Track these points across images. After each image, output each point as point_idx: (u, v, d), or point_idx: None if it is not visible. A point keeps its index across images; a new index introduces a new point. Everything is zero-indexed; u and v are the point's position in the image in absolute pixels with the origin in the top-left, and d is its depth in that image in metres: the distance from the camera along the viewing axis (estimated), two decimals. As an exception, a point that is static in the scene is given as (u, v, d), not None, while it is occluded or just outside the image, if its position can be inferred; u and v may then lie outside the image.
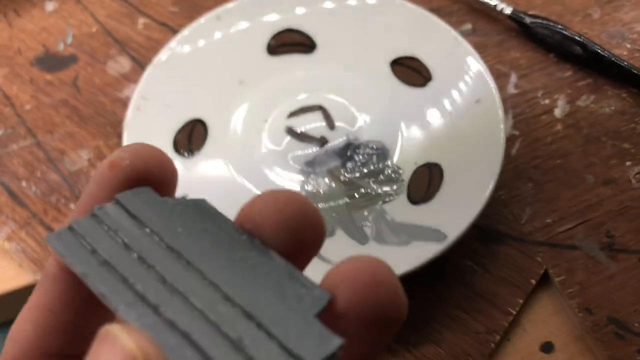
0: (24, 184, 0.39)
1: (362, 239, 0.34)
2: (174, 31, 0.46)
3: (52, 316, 0.16)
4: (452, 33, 0.40)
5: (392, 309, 0.14)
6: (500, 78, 0.42)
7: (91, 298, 0.15)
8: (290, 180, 0.37)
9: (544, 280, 0.35)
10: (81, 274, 0.15)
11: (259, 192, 0.37)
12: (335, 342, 0.13)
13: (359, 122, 0.39)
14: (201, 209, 0.16)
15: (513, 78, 0.42)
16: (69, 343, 0.17)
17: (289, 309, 0.14)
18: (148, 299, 0.14)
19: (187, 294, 0.14)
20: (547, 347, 0.33)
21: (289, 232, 0.15)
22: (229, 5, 0.42)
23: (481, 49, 0.42)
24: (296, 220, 0.15)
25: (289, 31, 0.42)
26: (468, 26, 0.45)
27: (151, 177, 0.16)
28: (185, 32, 0.41)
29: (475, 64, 0.38)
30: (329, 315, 0.14)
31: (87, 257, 0.15)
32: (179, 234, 0.15)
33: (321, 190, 0.36)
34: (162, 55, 0.40)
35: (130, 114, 0.37)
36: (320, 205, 0.35)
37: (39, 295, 0.16)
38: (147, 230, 0.15)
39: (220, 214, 0.16)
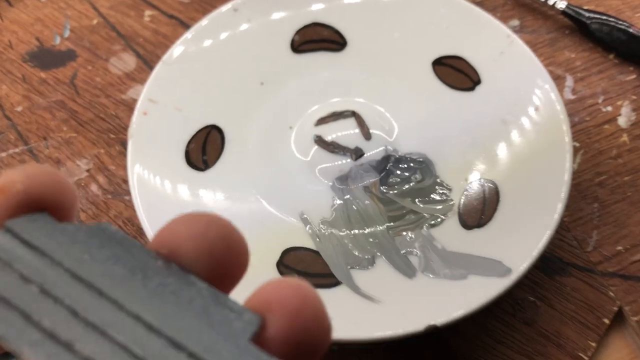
0: (13, 197, 0.34)
1: (408, 270, 0.29)
2: (185, 25, 0.41)
3: None
4: (504, 30, 0.35)
5: (320, 333, 0.14)
6: (554, 82, 0.37)
7: None
8: (319, 198, 0.32)
9: (618, 319, 0.30)
10: None
11: (281, 215, 0.33)
12: None
13: (397, 131, 0.34)
14: (108, 234, 0.14)
15: (569, 81, 0.37)
16: None
17: (220, 336, 0.13)
18: (58, 336, 0.12)
19: (105, 327, 0.12)
20: (624, 400, 0.28)
21: (212, 258, 0.14)
22: (248, -5, 0.37)
23: (530, 49, 0.37)
24: (219, 245, 0.14)
25: (316, 25, 0.37)
26: (515, 22, 0.40)
27: (48, 204, 0.15)
28: (199, 26, 0.36)
29: (532, 66, 0.33)
30: (257, 340, 0.13)
31: None
32: (85, 262, 0.13)
33: (356, 210, 0.31)
34: (173, 53, 0.35)
35: (135, 119, 0.32)
36: (356, 230, 0.31)
37: None
38: (48, 260, 0.13)
39: (128, 238, 0.14)
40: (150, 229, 0.28)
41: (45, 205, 0.15)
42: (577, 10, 0.38)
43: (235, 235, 0.14)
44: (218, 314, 0.13)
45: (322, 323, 0.14)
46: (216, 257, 0.14)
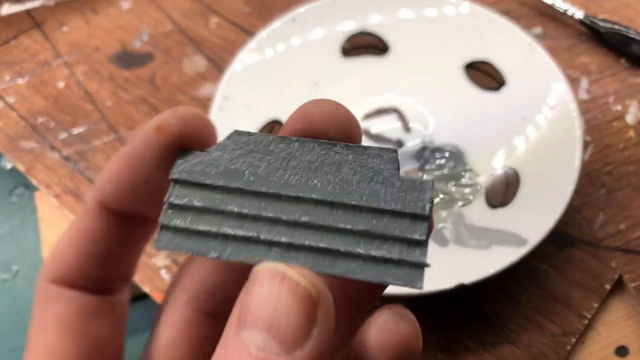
0: (108, 178, 0.41)
1: (441, 241, 0.35)
2: (247, 32, 0.47)
3: (92, 245, 0.18)
4: (527, 39, 0.40)
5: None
6: (570, 83, 0.42)
7: (130, 232, 0.18)
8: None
9: (618, 286, 0.35)
10: (202, 254, 0.16)
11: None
12: (427, 183, 0.16)
13: (433, 125, 0.40)
14: (243, 138, 0.17)
15: (584, 83, 0.42)
16: (106, 269, 0.18)
17: (377, 183, 0.16)
18: (225, 231, 0.16)
19: (306, 220, 0.16)
20: (621, 351, 0.33)
21: (341, 130, 0.17)
22: (304, 7, 0.43)
23: (551, 54, 0.43)
24: (346, 123, 0.17)
25: (363, 34, 0.43)
26: (538, 30, 0.45)
27: (194, 142, 0.17)
28: (263, 33, 0.42)
29: (550, 70, 0.39)
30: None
31: (196, 241, 0.16)
32: (258, 175, 0.17)
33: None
34: (242, 56, 0.41)
35: (213, 113, 0.39)
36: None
37: (81, 225, 0.18)
38: (225, 190, 0.17)
39: (257, 133, 0.17)
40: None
41: (191, 144, 0.17)
42: (593, 20, 0.44)
43: (354, 118, 0.18)
44: (365, 159, 0.16)
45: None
46: (344, 130, 0.17)
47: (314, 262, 0.16)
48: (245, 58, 0.41)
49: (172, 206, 0.17)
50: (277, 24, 0.42)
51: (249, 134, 0.18)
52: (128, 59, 0.47)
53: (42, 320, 0.18)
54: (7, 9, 0.50)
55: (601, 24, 0.43)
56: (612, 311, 0.35)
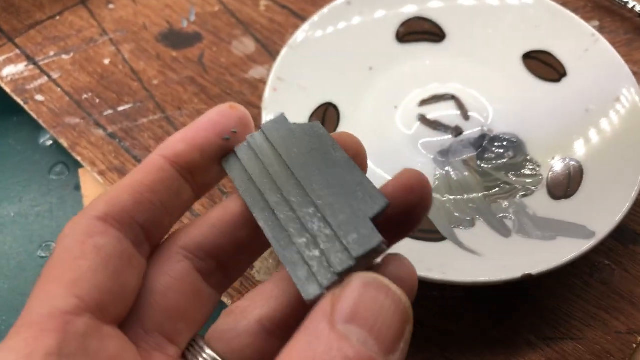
0: (155, 157, 0.40)
1: (504, 231, 0.33)
2: (296, 15, 0.46)
3: (150, 194, 0.20)
4: (589, 30, 0.39)
5: (425, 198, 0.19)
6: (631, 77, 0.41)
7: (182, 191, 0.21)
8: (422, 168, 0.37)
9: (684, 284, 0.34)
10: (238, 189, 0.21)
11: (389, 177, 0.38)
12: (376, 239, 0.17)
13: (492, 114, 0.39)
14: (315, 131, 0.21)
15: (644, 78, 0.41)
16: (151, 220, 0.20)
17: (352, 210, 0.18)
18: (271, 205, 0.20)
19: (292, 202, 0.19)
20: (688, 352, 0.32)
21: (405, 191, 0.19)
22: (360, -9, 0.42)
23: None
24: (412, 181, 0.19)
25: (419, 19, 0.42)
26: (595, 23, 0.44)
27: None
28: (318, 16, 0.41)
29: (614, 62, 0.38)
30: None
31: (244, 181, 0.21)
32: (295, 155, 0.20)
33: (456, 179, 0.36)
34: (297, 38, 0.40)
35: (267, 94, 0.38)
36: (456, 196, 0.36)
37: (140, 175, 0.20)
38: (276, 153, 0.21)
39: (326, 135, 0.20)
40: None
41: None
42: (654, 14, 0.43)
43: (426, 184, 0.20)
44: (360, 195, 0.19)
45: (427, 193, 0.19)
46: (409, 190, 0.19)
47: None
48: (301, 39, 0.40)
49: (248, 143, 0.21)
50: (332, 7, 0.41)
51: (320, 131, 0.21)
52: (175, 39, 0.46)
53: (77, 250, 0.18)
54: (53, -15, 0.49)
55: (663, 18, 0.42)
56: (678, 310, 0.34)
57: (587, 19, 0.44)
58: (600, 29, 0.44)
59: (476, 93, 0.39)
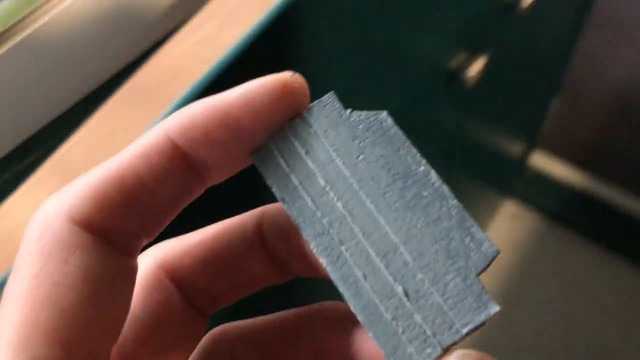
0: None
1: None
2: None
3: (147, 162, 0.15)
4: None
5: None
6: None
7: (184, 183, 0.16)
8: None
9: None
10: (279, 199, 0.16)
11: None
12: (493, 308, 0.14)
13: None
14: (383, 128, 0.16)
15: None
16: (145, 218, 0.16)
17: (452, 266, 0.14)
18: (332, 234, 0.15)
19: (359, 232, 0.15)
20: None
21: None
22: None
23: None
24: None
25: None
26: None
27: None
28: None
29: None
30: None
31: (285, 180, 0.16)
32: (358, 163, 0.15)
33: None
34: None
35: None
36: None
37: (136, 159, 0.15)
38: (328, 155, 0.16)
39: (399, 135, 0.16)
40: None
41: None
42: None
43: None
44: (458, 240, 0.14)
45: None
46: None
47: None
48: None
49: (286, 133, 0.16)
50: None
51: (391, 131, 0.16)
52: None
53: (56, 271, 0.14)
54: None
55: None
56: None
57: None
58: None
59: None
